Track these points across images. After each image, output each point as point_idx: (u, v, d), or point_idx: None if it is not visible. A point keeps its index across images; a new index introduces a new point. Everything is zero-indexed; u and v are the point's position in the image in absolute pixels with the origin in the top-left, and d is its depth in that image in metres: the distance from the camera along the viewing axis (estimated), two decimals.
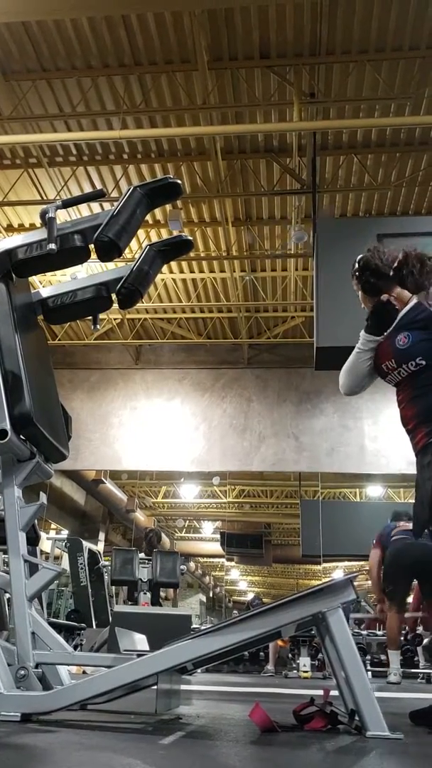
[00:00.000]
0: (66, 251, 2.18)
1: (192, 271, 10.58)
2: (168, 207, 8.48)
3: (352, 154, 8.33)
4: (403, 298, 2.42)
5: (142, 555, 7.27)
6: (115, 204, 2.21)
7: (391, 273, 2.41)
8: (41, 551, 9.34)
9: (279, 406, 11.26)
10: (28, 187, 8.95)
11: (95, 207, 6.91)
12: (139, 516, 18.08)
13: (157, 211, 9.06)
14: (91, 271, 5.20)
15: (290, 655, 9.13)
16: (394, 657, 5.38)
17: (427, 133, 7.97)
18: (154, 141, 8.32)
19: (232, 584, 29.53)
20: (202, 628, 2.91)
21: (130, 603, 7.08)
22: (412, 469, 2.37)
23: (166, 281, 10.77)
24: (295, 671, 8.13)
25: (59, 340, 11.76)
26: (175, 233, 7.63)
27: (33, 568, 2.00)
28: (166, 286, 10.95)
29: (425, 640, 7.92)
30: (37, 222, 7.64)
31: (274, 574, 25.86)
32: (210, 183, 8.67)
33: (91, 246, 2.24)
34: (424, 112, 7.50)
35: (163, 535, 17.37)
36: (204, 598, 27.73)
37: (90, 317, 2.51)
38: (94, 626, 8.07)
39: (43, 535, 9.96)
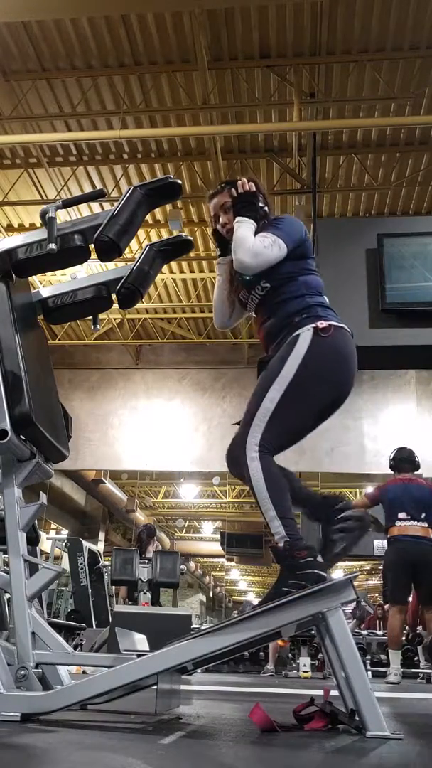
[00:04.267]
0: (66, 251, 2.18)
1: (192, 271, 10.59)
2: (168, 207, 8.48)
3: (352, 154, 8.34)
4: None
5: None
6: (115, 204, 2.21)
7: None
8: (41, 551, 9.34)
9: None
10: (28, 187, 8.95)
11: (95, 207, 6.92)
12: (139, 516, 18.07)
13: (157, 211, 9.06)
14: (91, 271, 5.21)
15: (290, 655, 9.13)
16: (395, 656, 5.36)
17: (427, 133, 7.97)
18: (154, 141, 8.32)
19: (232, 584, 29.53)
20: (202, 628, 2.91)
21: (129, 603, 7.08)
22: None
23: (166, 281, 10.78)
24: (295, 671, 8.13)
25: (59, 340, 11.76)
26: (175, 233, 7.63)
27: (33, 568, 2.00)
28: (166, 286, 10.96)
29: (426, 640, 7.92)
30: (37, 222, 7.63)
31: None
32: (210, 183, 8.67)
33: (91, 246, 2.25)
34: (424, 112, 7.50)
35: (160, 533, 17.37)
36: (204, 598, 27.74)
37: (90, 317, 2.51)
38: (94, 626, 8.07)
39: (43, 535, 9.96)
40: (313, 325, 2.18)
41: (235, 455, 2.22)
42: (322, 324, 2.18)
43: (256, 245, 2.27)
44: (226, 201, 2.47)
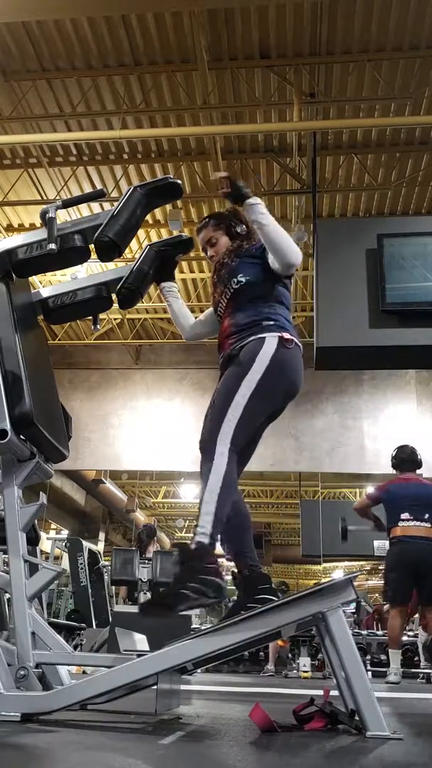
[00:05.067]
0: (66, 251, 2.18)
1: (192, 271, 10.59)
2: (168, 207, 8.47)
3: (352, 154, 8.33)
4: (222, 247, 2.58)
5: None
6: (115, 204, 2.22)
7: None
8: (41, 551, 9.34)
9: None
10: (28, 187, 8.95)
11: (95, 207, 6.92)
12: (139, 516, 18.07)
13: (157, 211, 9.06)
14: (91, 271, 5.21)
15: (290, 655, 9.13)
16: (395, 656, 5.34)
17: (427, 133, 7.97)
18: (154, 141, 8.32)
19: (232, 584, 29.50)
20: (202, 628, 2.91)
21: (129, 603, 7.08)
22: None
23: None
24: (295, 671, 8.13)
25: (59, 340, 11.76)
26: (175, 233, 7.63)
27: (33, 568, 2.00)
28: None
29: (426, 640, 7.92)
30: (37, 222, 7.63)
31: (274, 574, 25.84)
32: (210, 183, 8.67)
33: (91, 246, 2.25)
34: (424, 112, 7.50)
35: (160, 533, 17.36)
36: None
37: (90, 317, 2.51)
38: (94, 626, 8.07)
39: (43, 535, 9.97)
40: (279, 334, 2.29)
41: (205, 445, 2.22)
42: (286, 336, 2.30)
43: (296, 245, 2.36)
44: (212, 236, 2.57)
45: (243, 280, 2.41)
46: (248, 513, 2.46)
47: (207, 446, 2.19)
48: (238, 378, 2.23)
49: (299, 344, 2.36)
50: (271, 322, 2.32)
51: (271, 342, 2.27)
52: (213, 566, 2.00)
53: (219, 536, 2.06)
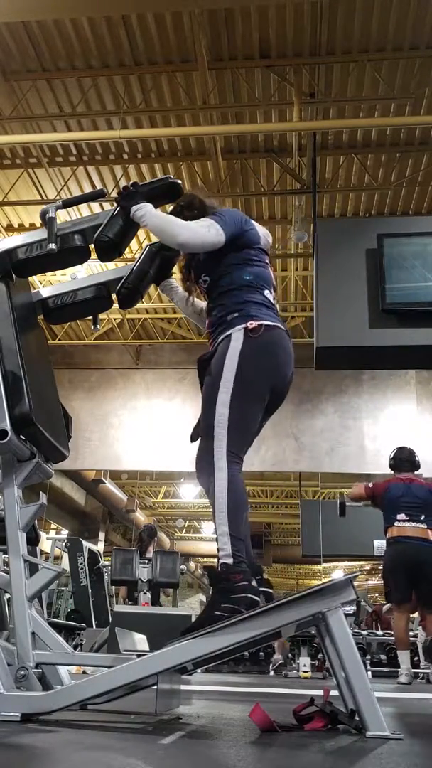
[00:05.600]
0: (66, 251, 2.18)
1: None
2: (168, 207, 8.46)
3: (352, 154, 8.33)
4: None
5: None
6: (115, 204, 2.22)
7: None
8: (41, 551, 9.33)
9: None
10: (28, 187, 8.95)
11: (95, 207, 6.93)
12: (139, 516, 18.07)
13: None
14: (91, 271, 5.21)
15: (290, 655, 9.13)
16: (404, 657, 5.34)
17: (427, 133, 7.97)
18: (154, 141, 8.32)
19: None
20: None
21: (130, 603, 7.08)
22: None
23: None
24: (295, 671, 8.13)
25: (59, 340, 11.76)
26: None
27: (33, 568, 2.00)
28: None
29: (425, 641, 7.93)
30: (37, 222, 7.63)
31: (274, 574, 25.84)
32: (210, 183, 8.67)
33: (91, 246, 2.25)
34: (424, 112, 7.50)
35: (160, 533, 17.36)
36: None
37: (90, 317, 2.51)
38: (94, 626, 8.07)
39: (43, 535, 9.96)
40: (244, 325, 2.21)
41: (202, 466, 2.20)
42: (251, 324, 2.20)
43: (189, 223, 2.26)
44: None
45: (207, 279, 2.37)
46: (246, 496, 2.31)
47: (201, 464, 2.17)
48: (214, 386, 2.17)
49: (275, 324, 2.25)
50: (236, 314, 2.24)
51: (236, 337, 2.19)
52: (243, 583, 1.98)
53: (242, 553, 2.03)
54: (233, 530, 2.03)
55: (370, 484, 5.68)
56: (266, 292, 2.33)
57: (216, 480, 2.07)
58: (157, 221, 2.24)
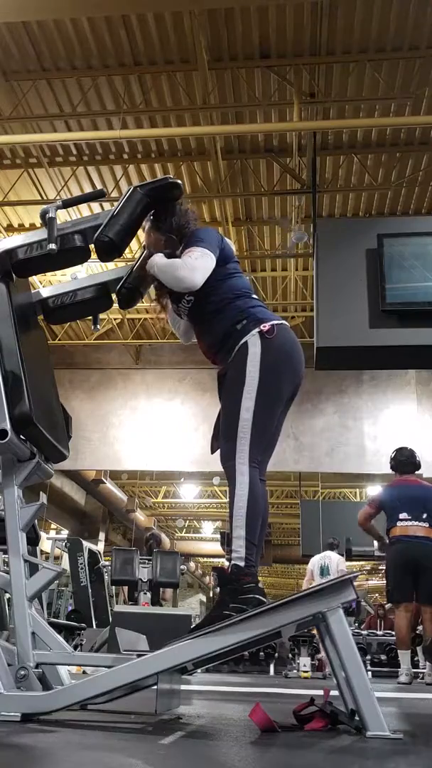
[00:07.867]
0: (66, 251, 2.18)
1: None
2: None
3: (352, 154, 8.33)
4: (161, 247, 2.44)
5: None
6: (115, 204, 2.22)
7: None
8: (41, 551, 9.34)
9: None
10: (28, 187, 8.95)
11: (95, 207, 6.92)
12: (139, 516, 18.07)
13: None
14: (91, 271, 5.21)
15: (290, 655, 9.13)
16: (405, 657, 5.37)
17: (427, 133, 7.97)
18: (154, 141, 8.32)
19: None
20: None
21: (130, 603, 7.08)
22: None
23: None
24: (295, 671, 8.14)
25: (59, 340, 11.76)
26: None
27: (33, 568, 2.00)
28: None
29: (425, 641, 7.91)
30: (37, 222, 7.64)
31: (274, 574, 25.85)
32: (210, 183, 8.67)
33: (91, 246, 2.25)
34: (424, 112, 7.50)
35: (163, 537, 17.37)
36: (204, 598, 27.71)
37: (90, 317, 2.51)
38: (94, 626, 8.07)
39: (43, 535, 9.96)
40: (257, 329, 2.23)
41: (225, 463, 2.21)
42: (265, 327, 2.24)
43: (188, 261, 2.25)
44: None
45: (191, 298, 2.35)
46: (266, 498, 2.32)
47: (227, 464, 2.19)
48: (237, 394, 2.19)
49: (280, 322, 2.29)
50: (244, 321, 2.27)
51: (253, 342, 2.22)
52: (251, 584, 2.03)
53: (254, 558, 2.08)
54: (249, 535, 2.07)
55: (372, 496, 5.74)
56: (254, 296, 2.41)
57: (237, 484, 2.10)
58: (160, 267, 2.27)
